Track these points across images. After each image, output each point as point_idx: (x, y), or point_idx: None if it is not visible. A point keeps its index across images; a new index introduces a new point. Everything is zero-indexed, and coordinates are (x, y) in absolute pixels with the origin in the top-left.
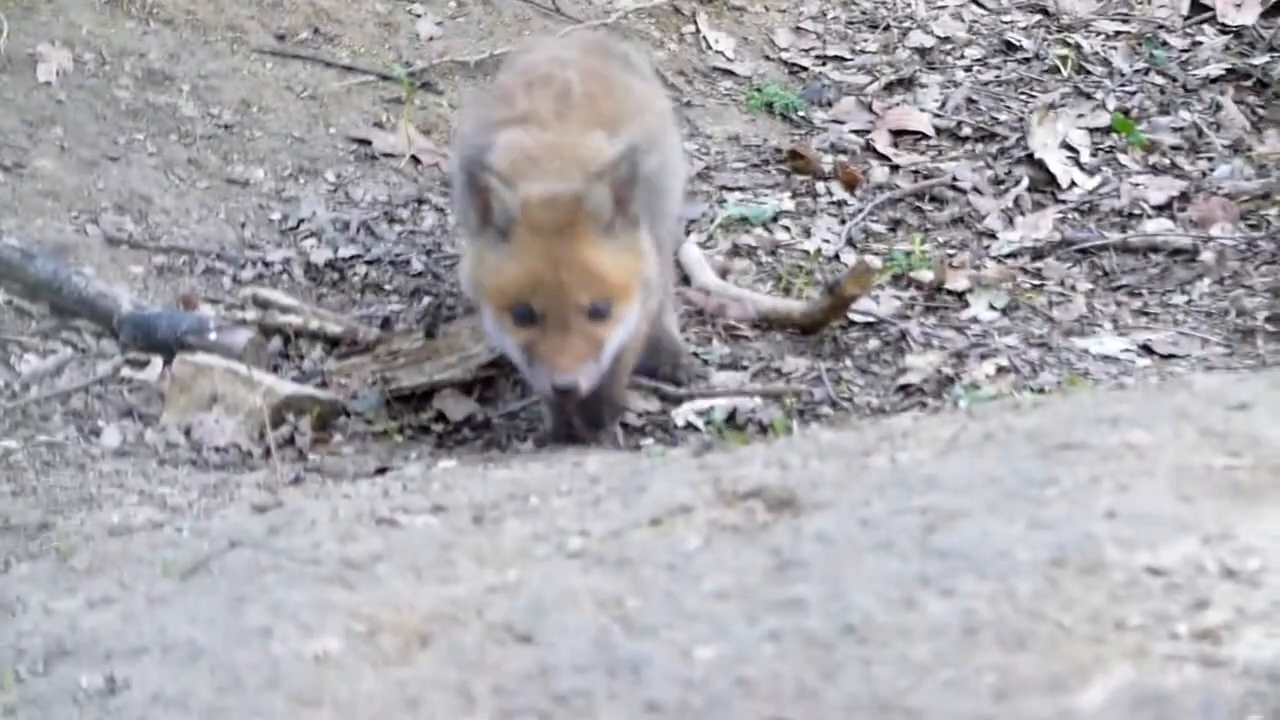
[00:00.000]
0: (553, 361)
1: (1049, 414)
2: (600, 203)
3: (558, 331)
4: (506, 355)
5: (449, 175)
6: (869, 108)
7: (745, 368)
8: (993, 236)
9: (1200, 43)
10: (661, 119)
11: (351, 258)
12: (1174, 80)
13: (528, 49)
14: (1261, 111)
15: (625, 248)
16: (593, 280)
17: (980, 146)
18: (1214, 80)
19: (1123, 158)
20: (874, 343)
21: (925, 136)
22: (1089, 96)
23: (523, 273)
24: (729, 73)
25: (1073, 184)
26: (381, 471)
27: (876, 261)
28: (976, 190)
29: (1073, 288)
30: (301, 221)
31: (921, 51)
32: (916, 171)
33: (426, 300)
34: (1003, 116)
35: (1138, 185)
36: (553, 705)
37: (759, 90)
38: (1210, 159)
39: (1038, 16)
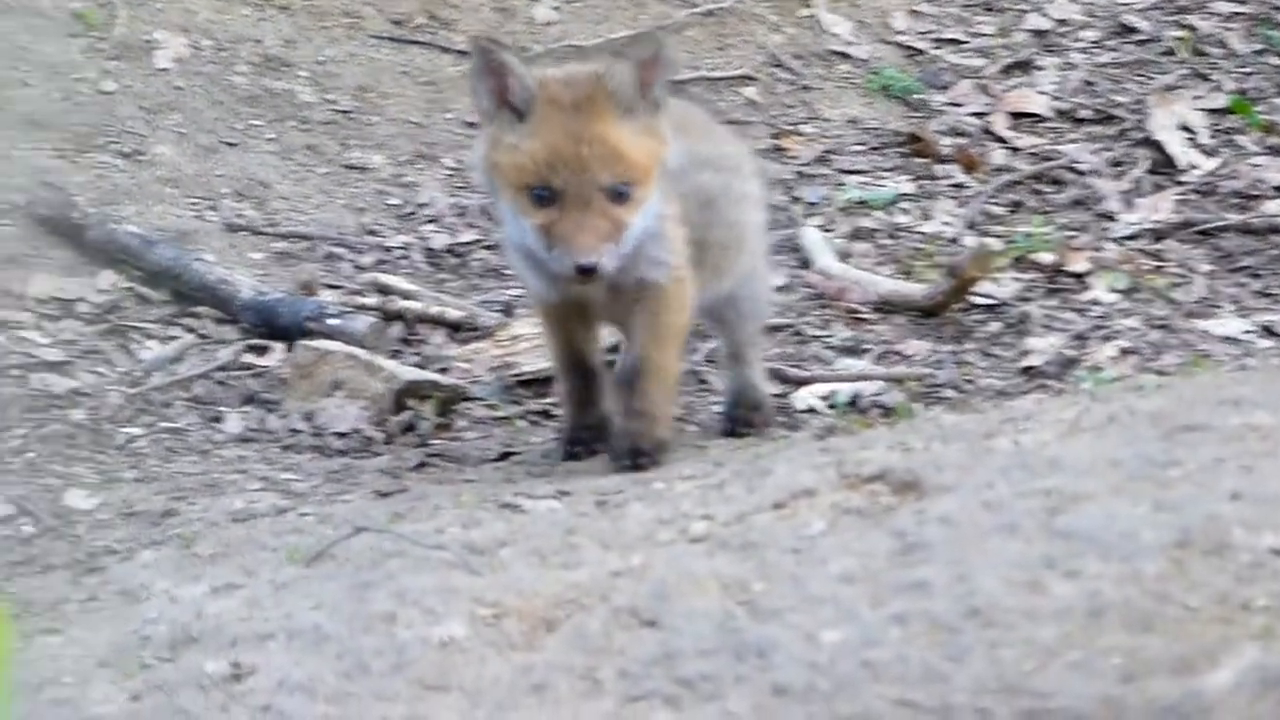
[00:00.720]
0: (574, 241)
1: (1171, 396)
2: (622, 81)
3: (578, 210)
4: (526, 245)
5: None
6: (986, 90)
7: (867, 351)
8: (1112, 218)
9: None
10: (733, 157)
11: (471, 242)
12: None
13: None
14: None
15: (646, 129)
16: (614, 158)
17: (1099, 129)
18: None
19: (1241, 139)
20: (995, 325)
21: (1043, 119)
22: (1206, 78)
23: (542, 149)
24: (846, 56)
25: (1191, 165)
26: (504, 457)
27: (997, 244)
28: (1095, 172)
29: (1193, 269)
30: (421, 206)
31: (1038, 34)
32: (1035, 154)
33: None
34: (1121, 98)
35: (1257, 166)
36: (679, 689)
37: (876, 73)
38: None
39: None
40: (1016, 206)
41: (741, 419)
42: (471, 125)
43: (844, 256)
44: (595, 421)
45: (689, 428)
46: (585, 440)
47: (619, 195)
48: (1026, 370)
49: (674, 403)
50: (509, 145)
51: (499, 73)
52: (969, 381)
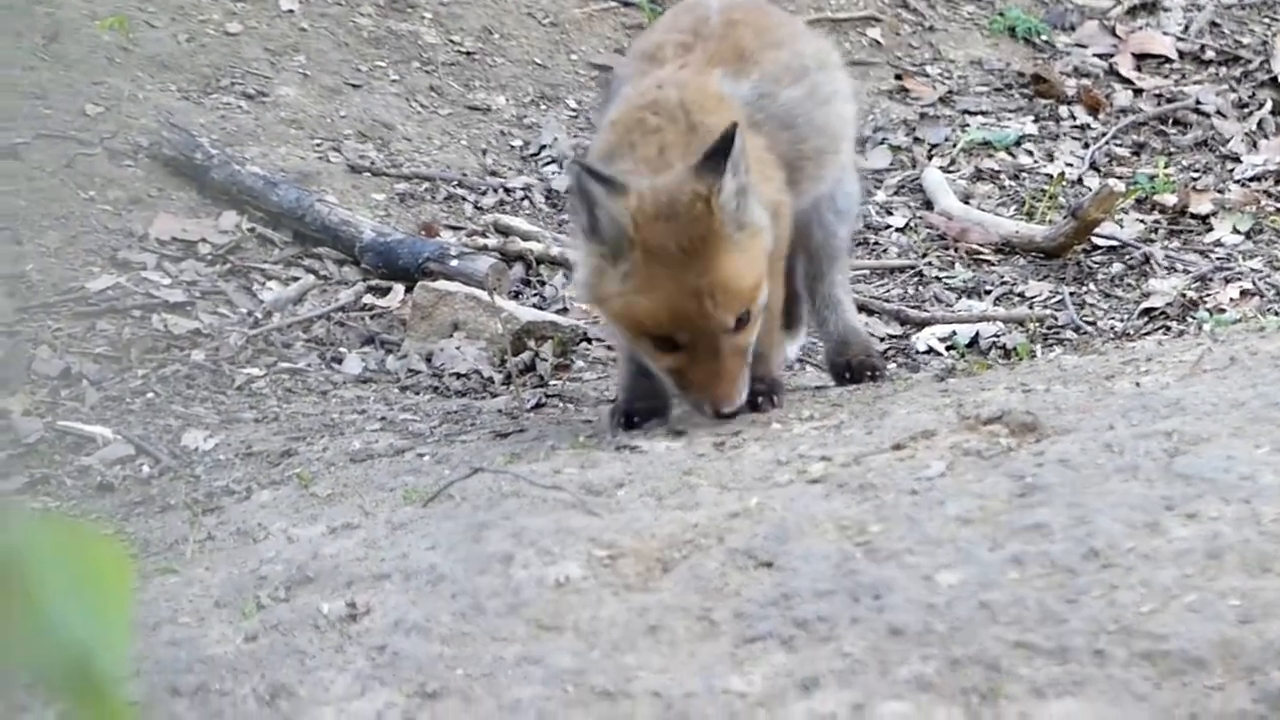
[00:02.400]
0: (713, 392)
1: None
2: (729, 199)
3: (709, 357)
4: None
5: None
6: (1112, 31)
7: (988, 292)
8: (1236, 160)
9: None
10: (816, 56)
11: None
12: None
13: None
14: None
15: (751, 236)
16: (735, 298)
17: (1223, 70)
18: None
19: None
20: (1117, 267)
21: (1168, 60)
22: None
23: (658, 307)
24: None
25: None
26: None
27: (1120, 185)
28: (1220, 114)
29: None
30: (543, 148)
31: None
32: (1159, 95)
33: None
34: (1246, 40)
35: None
36: (795, 630)
37: (1002, 14)
38: None
39: None
40: (1140, 148)
41: (856, 366)
42: (596, 67)
43: (966, 198)
44: (654, 389)
45: (807, 369)
46: (643, 411)
47: (742, 323)
48: (1148, 312)
49: (780, 335)
50: (615, 289)
51: (590, 202)
52: (1090, 323)
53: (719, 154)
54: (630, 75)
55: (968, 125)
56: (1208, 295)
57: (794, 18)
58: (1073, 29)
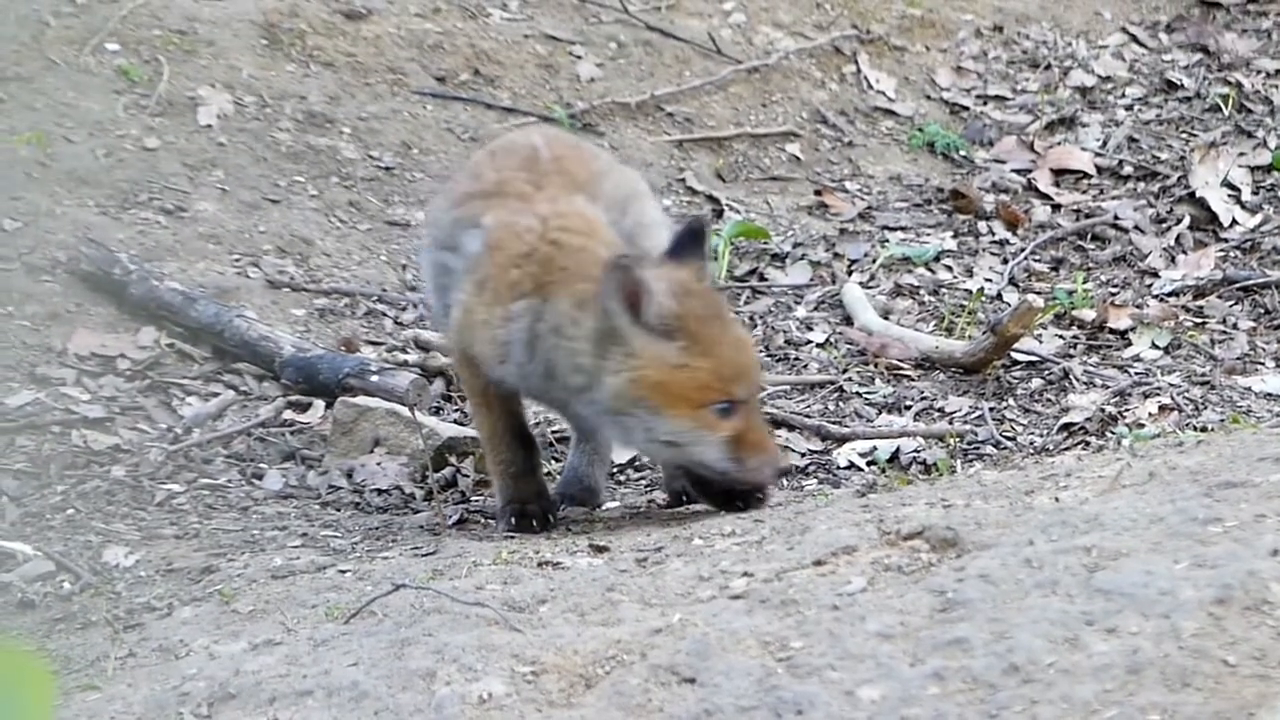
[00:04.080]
0: (768, 447)
1: (1212, 453)
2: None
3: (756, 415)
4: (690, 461)
5: (417, 262)
6: (1030, 147)
7: (908, 408)
8: (1155, 275)
9: None
10: (630, 185)
11: None
12: None
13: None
14: None
15: None
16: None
17: (1142, 185)
18: None
19: None
20: (1036, 382)
21: (1087, 175)
22: (1250, 135)
23: (723, 365)
24: (890, 112)
25: (1234, 222)
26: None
27: (1039, 301)
28: (1138, 229)
29: (1235, 326)
30: None
31: (1082, 90)
32: (1078, 210)
33: None
34: (1164, 155)
35: None
36: None
37: (920, 130)
38: None
39: (1198, 55)
40: (1059, 263)
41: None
42: None
43: (885, 313)
44: (537, 489)
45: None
46: (531, 513)
47: None
48: (1067, 427)
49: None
50: (675, 364)
51: (635, 291)
52: (1010, 438)
53: (685, 245)
54: (479, 213)
55: (887, 241)
56: (1127, 410)
57: (601, 150)
58: (991, 144)
